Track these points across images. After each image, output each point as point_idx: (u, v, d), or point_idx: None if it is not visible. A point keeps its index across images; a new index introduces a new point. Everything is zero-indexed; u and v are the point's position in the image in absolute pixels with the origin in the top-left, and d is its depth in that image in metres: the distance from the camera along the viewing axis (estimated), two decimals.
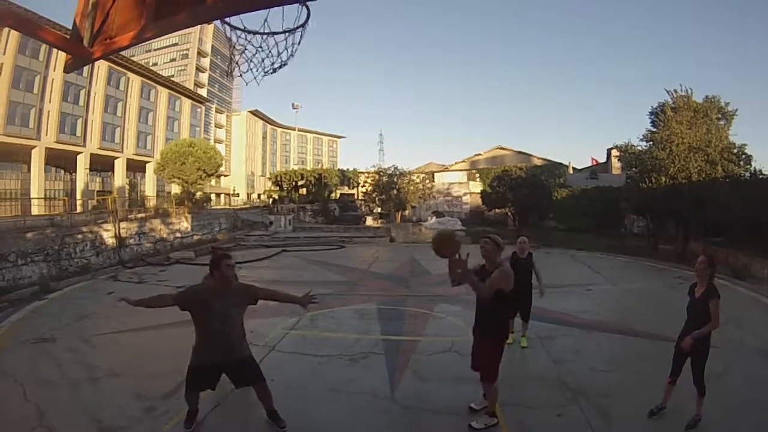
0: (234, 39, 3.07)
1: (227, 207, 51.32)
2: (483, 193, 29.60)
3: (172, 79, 59.75)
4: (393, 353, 6.73)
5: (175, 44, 76.73)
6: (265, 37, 3.06)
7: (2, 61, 32.62)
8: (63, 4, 15.03)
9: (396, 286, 12.27)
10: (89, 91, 41.08)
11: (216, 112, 77.58)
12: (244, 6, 2.66)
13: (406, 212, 34.48)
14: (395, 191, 32.10)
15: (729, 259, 14.49)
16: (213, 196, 60.66)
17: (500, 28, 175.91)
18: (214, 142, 61.86)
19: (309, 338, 7.56)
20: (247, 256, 16.79)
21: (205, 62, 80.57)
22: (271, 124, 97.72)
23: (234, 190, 78.53)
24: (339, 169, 51.05)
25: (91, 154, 41.00)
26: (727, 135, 18.78)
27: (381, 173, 33.69)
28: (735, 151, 17.81)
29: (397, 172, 33.09)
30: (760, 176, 17.21)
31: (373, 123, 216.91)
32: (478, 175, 37.52)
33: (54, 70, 36.10)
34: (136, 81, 47.06)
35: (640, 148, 20.77)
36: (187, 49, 77.73)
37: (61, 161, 39.56)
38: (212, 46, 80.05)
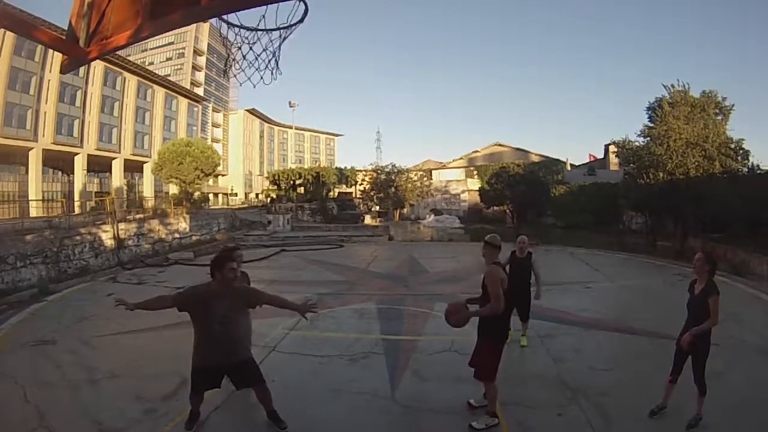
0: (231, 37, 3.06)
1: (225, 207, 51.24)
2: (481, 191, 29.55)
3: (168, 78, 59.61)
4: (393, 353, 6.74)
5: (171, 43, 76.58)
6: (261, 34, 3.05)
7: None
8: (58, 4, 14.96)
9: (395, 285, 12.27)
10: (86, 92, 40.96)
11: (213, 111, 77.42)
12: (240, 3, 2.64)
13: (405, 210, 34.42)
14: (393, 189, 32.04)
15: (728, 255, 14.51)
16: (211, 196, 60.56)
17: (499, 27, 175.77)
18: (212, 141, 61.84)
19: (309, 338, 7.55)
20: (246, 256, 16.62)
21: (201, 61, 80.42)
22: (269, 123, 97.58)
23: (232, 190, 78.43)
24: (337, 168, 50.93)
25: (89, 155, 40.88)
26: (724, 130, 18.77)
27: (379, 171, 33.60)
28: (733, 146, 17.79)
29: (395, 170, 33.02)
30: (758, 171, 17.22)
31: (371, 121, 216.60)
32: (476, 172, 37.48)
33: (50, 71, 35.97)
34: (132, 81, 46.92)
35: (637, 143, 20.75)
36: (183, 48, 77.59)
37: (58, 162, 39.43)
38: (208, 45, 79.91)
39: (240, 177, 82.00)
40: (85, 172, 40.78)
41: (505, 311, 4.48)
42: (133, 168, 47.63)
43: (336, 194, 40.89)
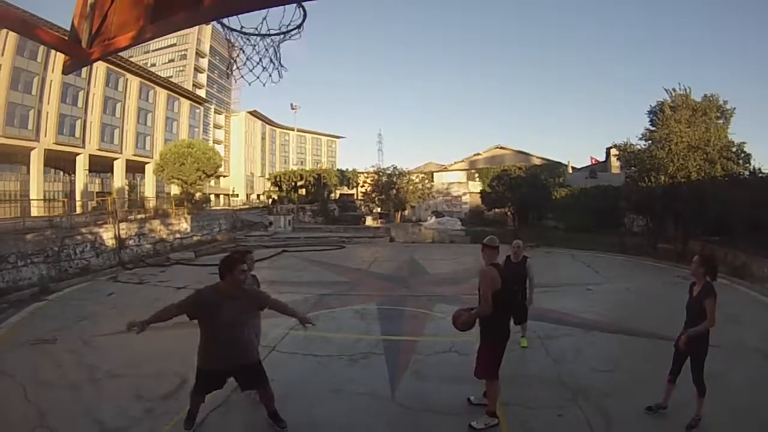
0: (232, 39, 3.08)
1: (227, 208, 51.29)
2: (482, 193, 29.56)
3: (170, 79, 59.75)
4: (393, 353, 6.74)
5: (174, 45, 76.79)
6: (262, 37, 3.07)
7: (1, 63, 32.64)
8: (61, 5, 15.02)
9: (396, 286, 12.27)
10: (88, 92, 41.09)
11: (215, 112, 77.55)
12: (242, 7, 2.66)
13: (406, 212, 34.42)
14: (394, 191, 32.05)
15: (728, 257, 14.48)
16: (212, 197, 60.66)
17: (500, 28, 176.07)
18: (213, 142, 61.88)
19: (310, 338, 7.54)
20: None
21: (204, 63, 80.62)
22: (270, 125, 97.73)
23: (233, 191, 78.51)
24: (338, 170, 51.03)
25: (90, 156, 41.00)
26: (726, 133, 18.80)
27: (380, 173, 33.61)
28: (734, 149, 17.81)
29: (397, 172, 33.04)
30: (760, 175, 17.19)
31: (372, 123, 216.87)
32: (477, 174, 37.49)
33: (52, 72, 36.11)
34: (134, 82, 47.06)
35: (639, 147, 20.76)
36: (186, 50, 77.79)
37: (60, 162, 39.55)
38: (210, 47, 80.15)
39: (241, 178, 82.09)
40: (87, 172, 40.88)
41: (502, 313, 4.49)
42: (134, 168, 47.72)
43: (337, 196, 40.91)
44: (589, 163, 45.01)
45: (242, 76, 3.29)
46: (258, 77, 3.24)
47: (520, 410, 4.88)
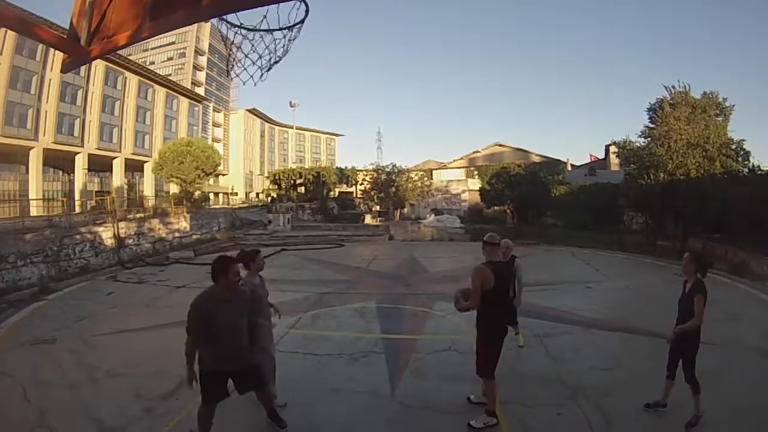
0: (231, 37, 3.07)
1: (226, 206, 51.33)
2: (481, 191, 29.53)
3: (169, 78, 59.68)
4: (393, 352, 6.74)
5: (172, 43, 76.63)
6: (262, 34, 3.05)
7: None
8: (60, 3, 14.97)
9: (395, 285, 12.27)
10: (86, 91, 41.00)
11: (214, 110, 77.44)
12: (242, 3, 2.65)
13: (405, 210, 34.46)
14: (394, 189, 32.07)
15: (728, 255, 14.51)
16: (211, 196, 60.59)
17: (499, 26, 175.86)
18: (212, 141, 61.81)
19: (309, 337, 7.56)
20: None
21: (203, 60, 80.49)
22: (269, 123, 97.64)
23: (232, 189, 78.47)
24: (337, 168, 51.02)
25: (89, 155, 40.93)
26: (725, 131, 18.78)
27: (379, 171, 33.64)
28: (733, 146, 17.80)
29: (396, 170, 33.06)
30: (759, 172, 17.20)
31: (371, 121, 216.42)
32: (476, 172, 37.52)
33: (51, 70, 36.02)
34: (133, 80, 46.96)
35: (638, 144, 20.75)
36: (184, 48, 77.64)
37: (59, 162, 39.48)
38: (209, 45, 79.98)
39: (240, 176, 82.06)
40: (86, 171, 40.82)
41: (495, 311, 4.49)
42: (133, 167, 47.65)
43: (336, 194, 40.94)
44: (589, 161, 45.08)
45: (237, 75, 3.28)
46: (251, 76, 3.22)
47: (519, 409, 4.88)
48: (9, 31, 29.23)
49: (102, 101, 42.77)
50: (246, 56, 3.19)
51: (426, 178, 37.01)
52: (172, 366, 5.83)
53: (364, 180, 38.33)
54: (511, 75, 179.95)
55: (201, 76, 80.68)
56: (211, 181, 55.80)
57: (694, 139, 17.37)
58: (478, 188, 31.89)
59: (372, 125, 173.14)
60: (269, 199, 39.20)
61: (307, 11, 2.87)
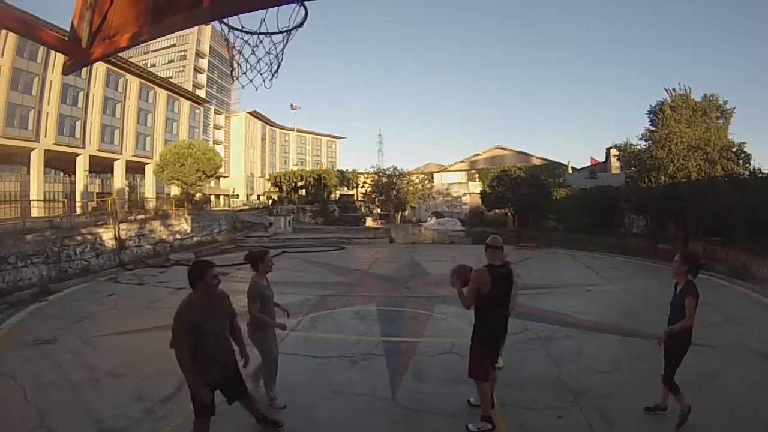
0: (232, 40, 3.07)
1: (227, 208, 51.29)
2: (482, 194, 29.55)
3: (170, 80, 59.72)
4: (393, 354, 6.74)
5: (173, 45, 76.80)
6: (262, 37, 3.06)
7: (0, 63, 32.63)
8: (61, 5, 15.02)
9: (396, 287, 12.26)
10: (88, 93, 41.07)
11: (215, 113, 77.51)
12: (242, 6, 2.65)
13: (406, 213, 34.44)
14: (394, 192, 32.07)
15: (729, 258, 14.48)
16: (212, 198, 60.66)
17: (500, 28, 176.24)
18: (213, 143, 61.87)
19: (310, 340, 7.55)
20: None
21: (204, 63, 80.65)
22: (270, 125, 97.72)
23: (233, 192, 78.51)
24: (338, 170, 51.09)
25: (90, 156, 40.99)
26: (726, 133, 18.80)
27: (380, 174, 33.64)
28: (734, 149, 17.81)
29: (397, 173, 33.06)
30: (760, 175, 17.20)
31: (372, 123, 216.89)
32: (477, 175, 37.55)
33: (52, 72, 36.10)
34: (134, 82, 47.05)
35: (639, 147, 20.79)
36: (186, 50, 77.80)
37: (60, 163, 39.53)
38: (210, 47, 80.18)
39: (241, 179, 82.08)
40: (87, 172, 40.87)
41: (491, 315, 4.48)
42: (134, 169, 47.70)
43: (337, 196, 40.96)
44: (589, 164, 44.99)
45: (237, 79, 3.28)
46: (251, 81, 3.22)
47: (519, 412, 4.87)
48: (10, 33, 29.29)
49: (103, 103, 42.84)
50: (246, 60, 3.20)
51: (427, 181, 37.03)
52: (173, 367, 5.79)
53: (365, 183, 38.36)
54: (512, 76, 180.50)
55: (202, 78, 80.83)
56: (212, 183, 55.87)
57: (694, 141, 17.39)
58: (479, 191, 31.90)
59: (373, 128, 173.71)
60: (270, 201, 39.20)
61: (305, 15, 2.88)
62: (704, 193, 16.06)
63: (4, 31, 28.42)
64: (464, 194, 36.22)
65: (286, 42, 3.02)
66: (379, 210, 34.81)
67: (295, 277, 13.48)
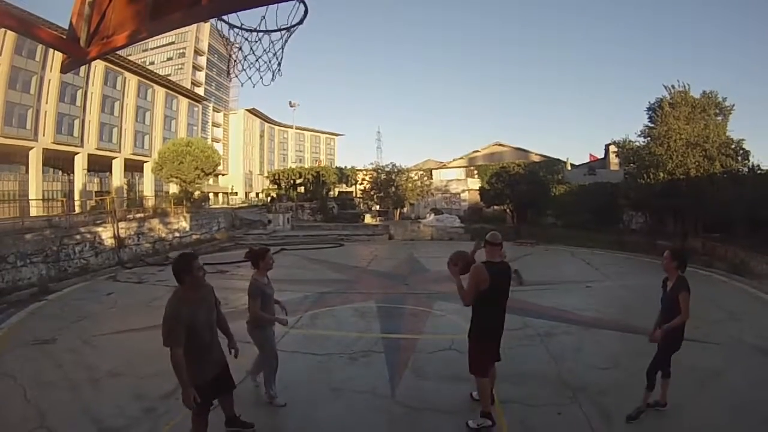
0: (232, 38, 3.06)
1: (225, 206, 51.27)
2: (481, 190, 29.57)
3: (168, 78, 59.58)
4: (393, 351, 6.75)
5: (172, 43, 76.52)
6: (261, 35, 3.05)
7: None
8: (59, 3, 14.96)
9: (395, 284, 12.27)
10: (86, 91, 40.98)
11: (213, 110, 77.33)
12: (241, 3, 2.65)
13: (405, 209, 34.46)
14: (393, 189, 32.06)
15: (728, 254, 14.51)
16: (211, 195, 60.55)
17: (499, 26, 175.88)
18: (212, 141, 61.79)
19: (309, 337, 7.56)
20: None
21: (202, 61, 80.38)
22: (269, 123, 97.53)
23: (232, 189, 78.38)
24: (337, 167, 51.01)
25: (89, 155, 40.91)
26: (725, 130, 18.82)
27: (379, 171, 33.63)
28: (733, 146, 17.83)
29: (395, 170, 33.05)
30: (758, 171, 17.23)
31: (371, 120, 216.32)
32: (476, 171, 37.52)
33: (51, 71, 36.00)
34: (132, 80, 46.93)
35: (638, 143, 20.81)
36: (184, 48, 77.52)
37: (58, 162, 39.46)
38: (209, 45, 79.86)
39: (240, 176, 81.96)
40: (86, 171, 40.79)
41: (489, 312, 4.48)
42: (133, 167, 47.62)
43: (336, 193, 40.98)
44: (588, 160, 44.97)
45: (236, 76, 3.28)
46: (250, 78, 3.22)
47: (519, 408, 4.88)
48: (8, 32, 29.20)
49: (101, 101, 42.74)
50: (245, 58, 3.19)
51: (426, 178, 37.02)
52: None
53: (363, 180, 38.33)
54: (511, 75, 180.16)
55: (200, 76, 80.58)
56: (211, 181, 55.77)
57: (693, 138, 17.41)
58: (477, 188, 31.92)
59: (372, 125, 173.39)
60: (269, 198, 39.22)
61: (305, 12, 2.87)
62: (703, 189, 16.09)
63: (2, 30, 28.33)
64: (463, 191, 36.24)
65: (286, 40, 3.02)
66: (377, 207, 34.83)
67: (294, 274, 13.48)
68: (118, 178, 44.77)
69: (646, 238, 19.02)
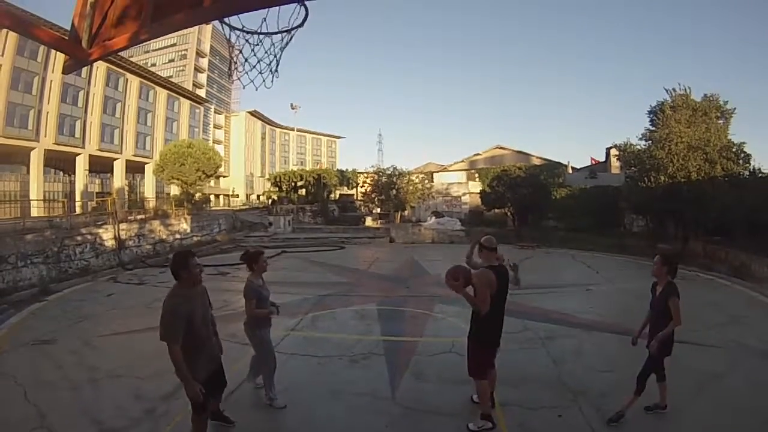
0: (233, 39, 3.07)
1: (226, 208, 51.22)
2: (482, 193, 29.50)
3: (170, 79, 59.71)
4: (393, 354, 6.74)
5: (174, 45, 76.79)
6: (263, 36, 3.06)
7: (1, 63, 32.61)
8: (61, 5, 15.01)
9: (396, 287, 12.25)
10: (88, 92, 41.07)
11: (215, 112, 77.46)
12: (242, 6, 2.65)
13: (406, 213, 34.38)
14: (394, 191, 32.02)
15: (729, 257, 14.49)
16: (212, 197, 60.62)
17: (500, 28, 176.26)
18: (213, 142, 61.81)
19: (310, 339, 7.55)
20: None
21: (204, 62, 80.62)
22: (270, 125, 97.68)
23: (233, 191, 78.45)
24: (338, 170, 51.01)
25: (90, 156, 40.98)
26: (726, 134, 18.81)
27: (380, 173, 33.59)
28: (734, 149, 17.80)
29: (396, 173, 33.01)
30: (760, 175, 17.20)
31: (372, 123, 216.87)
32: (477, 175, 37.44)
33: (52, 71, 36.09)
34: (134, 82, 47.03)
35: (639, 147, 20.78)
36: (186, 50, 77.78)
37: (60, 163, 39.52)
38: (211, 47, 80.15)
39: (241, 178, 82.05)
40: (87, 172, 40.84)
41: (492, 317, 4.46)
42: (134, 169, 47.69)
43: (337, 196, 40.90)
44: (589, 164, 44.94)
45: (238, 78, 3.28)
46: (252, 81, 3.23)
47: (520, 411, 4.87)
48: (10, 33, 29.29)
49: (103, 102, 42.83)
50: (246, 60, 3.20)
51: (427, 181, 36.97)
52: (172, 367, 5.82)
53: (364, 182, 38.26)
54: (511, 76, 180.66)
55: (202, 77, 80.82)
56: (212, 182, 55.84)
57: (694, 141, 17.39)
58: (478, 191, 31.83)
59: (373, 128, 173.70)
60: (270, 201, 39.14)
61: (306, 15, 2.88)
62: (704, 193, 16.06)
63: (4, 30, 28.42)
64: (464, 194, 36.16)
65: (287, 42, 3.03)
66: (378, 210, 34.77)
67: (295, 276, 13.47)
68: (119, 179, 44.81)
69: (647, 242, 18.97)
